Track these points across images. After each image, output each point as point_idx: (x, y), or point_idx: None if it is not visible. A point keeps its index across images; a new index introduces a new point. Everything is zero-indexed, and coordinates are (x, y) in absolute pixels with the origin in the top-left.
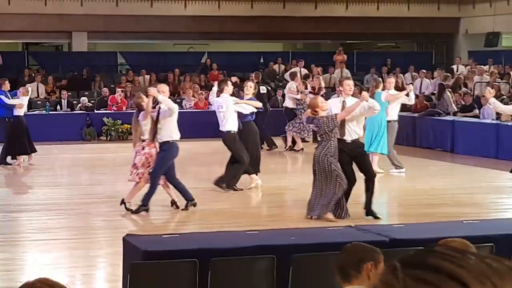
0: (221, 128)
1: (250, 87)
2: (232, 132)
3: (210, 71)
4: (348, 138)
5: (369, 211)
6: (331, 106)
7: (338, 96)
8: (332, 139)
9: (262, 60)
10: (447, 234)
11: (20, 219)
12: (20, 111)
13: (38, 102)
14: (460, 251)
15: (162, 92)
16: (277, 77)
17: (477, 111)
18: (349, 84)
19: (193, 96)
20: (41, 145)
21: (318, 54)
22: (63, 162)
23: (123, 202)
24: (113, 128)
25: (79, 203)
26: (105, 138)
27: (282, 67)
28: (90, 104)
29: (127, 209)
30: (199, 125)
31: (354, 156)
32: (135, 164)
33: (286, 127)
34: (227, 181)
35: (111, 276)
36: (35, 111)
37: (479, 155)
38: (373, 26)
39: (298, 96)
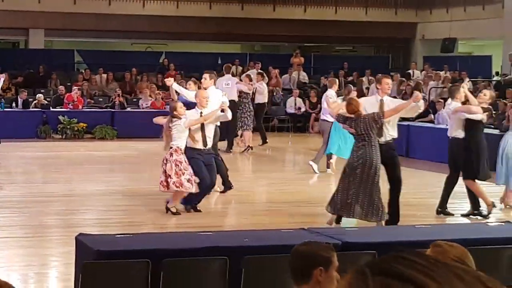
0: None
1: (205, 79)
2: None
3: (168, 72)
4: (382, 139)
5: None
6: (366, 105)
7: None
8: (373, 139)
9: (220, 61)
10: (400, 238)
11: None
12: None
13: None
14: (432, 259)
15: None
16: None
17: (432, 116)
18: (388, 82)
19: (150, 96)
20: None
21: (275, 56)
22: (17, 159)
23: (168, 209)
24: (68, 127)
25: (33, 201)
26: (60, 136)
27: (240, 68)
28: (46, 102)
29: (174, 213)
30: (156, 124)
31: (386, 158)
32: (165, 172)
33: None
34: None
35: (64, 275)
36: None
37: (434, 160)
38: (331, 29)
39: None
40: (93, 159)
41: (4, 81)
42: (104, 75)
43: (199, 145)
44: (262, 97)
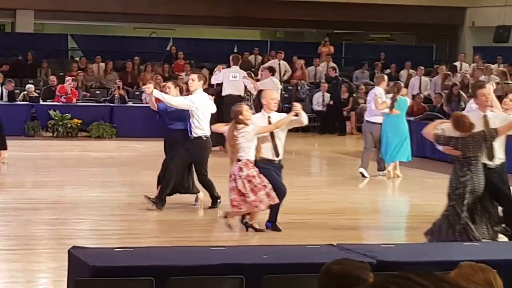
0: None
1: (192, 80)
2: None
3: (176, 61)
4: (492, 163)
5: None
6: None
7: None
8: (480, 163)
9: (236, 50)
10: (444, 257)
11: None
12: None
13: None
14: (438, 281)
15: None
16: (253, 70)
17: None
18: (484, 93)
19: (155, 88)
20: None
21: (300, 44)
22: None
23: (247, 226)
24: (60, 123)
25: (19, 209)
26: (51, 134)
27: (259, 58)
28: (35, 94)
29: (257, 229)
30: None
31: (495, 185)
32: (239, 191)
33: None
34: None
35: None
36: None
37: None
38: (365, 14)
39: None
40: (89, 161)
41: None
42: (102, 64)
43: (270, 156)
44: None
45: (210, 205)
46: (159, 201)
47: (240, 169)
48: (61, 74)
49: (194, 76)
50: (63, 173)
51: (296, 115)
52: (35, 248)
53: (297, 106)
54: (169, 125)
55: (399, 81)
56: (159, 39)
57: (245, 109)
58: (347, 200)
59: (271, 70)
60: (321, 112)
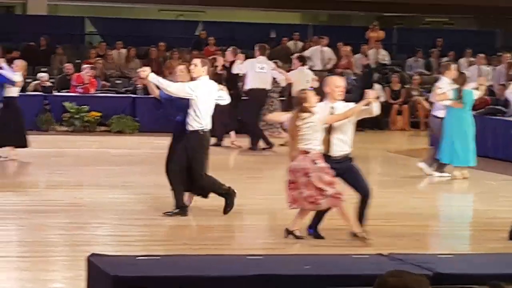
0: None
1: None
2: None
3: (206, 47)
4: None
5: None
6: None
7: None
8: None
9: (273, 35)
10: (505, 269)
11: None
12: (15, 91)
13: None
14: None
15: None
16: (291, 57)
17: None
18: None
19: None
20: None
21: (346, 29)
22: (11, 157)
23: (293, 235)
24: (77, 116)
25: (31, 212)
26: (66, 128)
27: (300, 44)
28: (49, 84)
29: (297, 236)
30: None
31: None
32: (314, 185)
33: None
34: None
35: None
36: None
37: None
38: None
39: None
40: (108, 158)
41: None
42: (124, 51)
43: (327, 150)
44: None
45: (225, 206)
46: (180, 210)
47: (313, 161)
48: (77, 61)
49: (197, 61)
50: (79, 172)
51: (367, 104)
52: (48, 255)
53: (370, 93)
54: (174, 117)
55: (463, 72)
56: (187, 23)
57: (311, 95)
58: (400, 204)
59: (301, 60)
60: None
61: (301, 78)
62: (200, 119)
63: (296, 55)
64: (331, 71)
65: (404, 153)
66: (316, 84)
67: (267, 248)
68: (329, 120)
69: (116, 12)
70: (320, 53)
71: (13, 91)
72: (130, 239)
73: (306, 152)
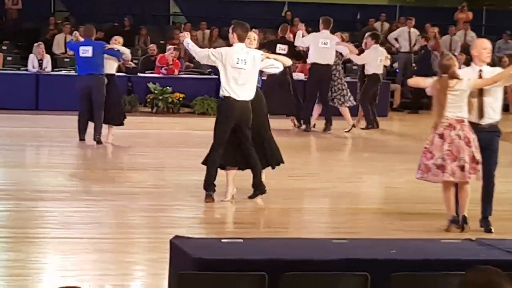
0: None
1: (254, 39)
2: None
3: (291, 28)
4: None
5: None
6: None
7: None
8: None
9: (359, 16)
10: None
11: (37, 210)
12: (114, 67)
13: (66, 60)
14: None
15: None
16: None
17: None
18: None
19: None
20: (68, 115)
21: (434, 10)
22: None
23: (463, 222)
24: (160, 97)
25: (113, 193)
26: (149, 109)
27: (386, 25)
28: (133, 65)
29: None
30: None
31: None
32: (473, 157)
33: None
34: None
35: None
36: (61, 70)
37: None
38: None
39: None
40: (191, 140)
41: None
42: (208, 31)
43: (474, 118)
44: (376, 67)
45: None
46: (257, 189)
47: (462, 128)
48: (161, 42)
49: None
50: (162, 154)
51: None
52: (131, 237)
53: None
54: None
55: None
56: (272, 3)
57: (455, 61)
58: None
59: (374, 37)
60: None
61: (376, 57)
62: (223, 86)
63: (368, 33)
64: (417, 53)
65: None
66: (388, 62)
67: (353, 231)
68: (478, 84)
69: None
70: (407, 34)
71: (113, 67)
72: (214, 221)
73: (459, 121)
